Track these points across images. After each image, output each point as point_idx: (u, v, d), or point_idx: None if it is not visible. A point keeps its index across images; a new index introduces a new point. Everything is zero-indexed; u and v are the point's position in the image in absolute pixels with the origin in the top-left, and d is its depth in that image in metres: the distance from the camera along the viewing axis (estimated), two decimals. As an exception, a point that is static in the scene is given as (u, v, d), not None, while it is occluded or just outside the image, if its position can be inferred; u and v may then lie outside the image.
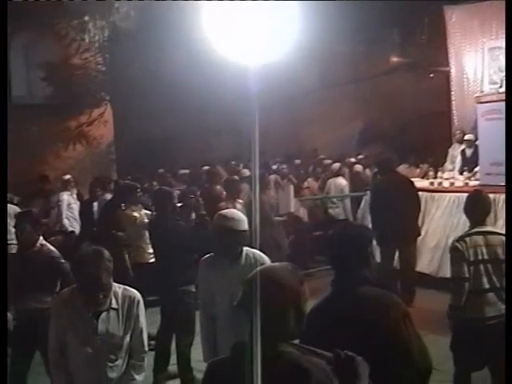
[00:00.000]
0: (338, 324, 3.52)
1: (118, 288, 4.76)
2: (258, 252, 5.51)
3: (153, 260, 8.83)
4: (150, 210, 9.61)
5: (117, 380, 4.79)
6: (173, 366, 8.08)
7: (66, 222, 13.22)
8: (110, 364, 4.74)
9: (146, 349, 4.97)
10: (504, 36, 9.56)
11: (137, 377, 4.90)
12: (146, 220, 9.41)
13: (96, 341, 4.66)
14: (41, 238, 6.98)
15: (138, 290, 9.39)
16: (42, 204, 14.38)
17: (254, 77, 2.68)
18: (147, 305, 9.34)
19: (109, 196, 12.22)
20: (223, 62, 2.85)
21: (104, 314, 4.66)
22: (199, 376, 7.72)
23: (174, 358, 8.08)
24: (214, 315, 5.69)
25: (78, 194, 14.26)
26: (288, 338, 2.95)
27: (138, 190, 10.32)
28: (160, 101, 16.98)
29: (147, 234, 8.87)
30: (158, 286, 8.41)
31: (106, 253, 4.58)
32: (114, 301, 4.69)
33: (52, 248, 7.10)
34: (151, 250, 8.96)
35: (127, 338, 4.79)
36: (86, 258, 4.55)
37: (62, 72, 18.10)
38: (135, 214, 9.68)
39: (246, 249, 5.57)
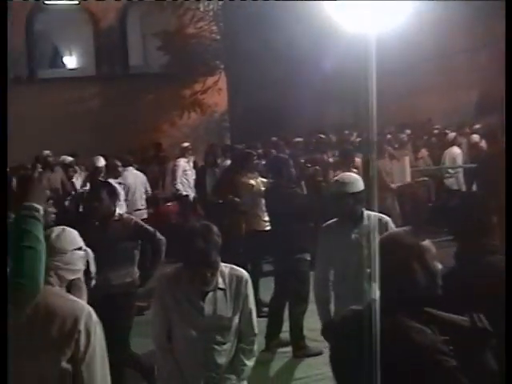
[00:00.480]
0: (465, 296, 3.41)
1: (224, 267, 4.42)
2: (378, 213, 5.50)
3: (268, 228, 8.86)
4: (265, 178, 9.63)
5: (225, 365, 4.46)
6: (285, 334, 8.09)
7: (179, 186, 13.42)
8: (218, 348, 4.41)
9: (256, 331, 4.60)
10: None
11: (247, 362, 4.55)
12: (263, 188, 9.42)
13: (202, 323, 4.35)
14: (117, 209, 6.93)
15: (253, 257, 9.51)
16: (158, 170, 14.71)
17: (372, 45, 2.65)
18: (262, 273, 9.50)
19: (226, 163, 12.38)
20: (341, 29, 2.80)
21: (210, 295, 4.36)
22: (311, 345, 7.76)
23: (286, 326, 8.07)
24: (329, 279, 5.77)
25: (194, 162, 14.49)
26: (416, 304, 2.90)
27: (255, 157, 10.35)
28: (274, 69, 16.94)
29: (263, 201, 8.91)
30: (273, 253, 8.46)
31: (215, 228, 4.29)
32: (220, 280, 4.37)
33: (132, 216, 7.14)
34: (267, 218, 8.99)
35: (236, 320, 4.44)
36: (194, 232, 4.24)
37: (177, 41, 18.34)
38: (252, 181, 9.70)
39: (366, 211, 5.65)
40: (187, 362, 4.42)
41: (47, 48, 20.33)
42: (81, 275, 3.68)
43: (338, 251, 5.64)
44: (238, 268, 4.53)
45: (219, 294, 4.38)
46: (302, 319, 7.91)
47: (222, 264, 4.39)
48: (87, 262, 3.64)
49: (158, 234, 6.83)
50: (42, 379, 3.17)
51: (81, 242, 3.64)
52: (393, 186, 11.91)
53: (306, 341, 7.91)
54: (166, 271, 4.64)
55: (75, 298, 3.44)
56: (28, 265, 2.89)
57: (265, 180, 9.59)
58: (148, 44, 19.60)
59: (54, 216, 6.47)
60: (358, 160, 10.36)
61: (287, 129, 17.36)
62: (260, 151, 13.52)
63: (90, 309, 3.37)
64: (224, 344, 4.43)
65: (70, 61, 20.64)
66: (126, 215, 7.06)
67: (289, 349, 7.97)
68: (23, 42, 18.74)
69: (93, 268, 4.32)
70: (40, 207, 3.10)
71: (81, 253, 3.62)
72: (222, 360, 4.43)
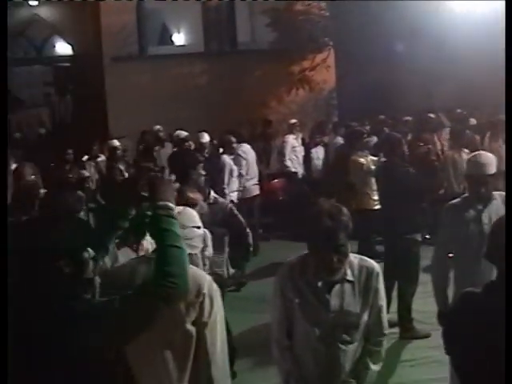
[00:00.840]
0: None
1: (353, 258, 4.01)
2: (503, 193, 5.30)
3: (378, 207, 8.78)
4: (375, 156, 9.56)
5: (350, 367, 4.06)
6: (392, 315, 7.97)
7: (288, 162, 13.54)
8: (343, 347, 3.99)
9: (386, 332, 4.19)
10: None
11: (373, 366, 4.12)
12: (372, 166, 9.34)
13: (328, 319, 3.96)
14: (212, 190, 6.84)
15: (363, 235, 9.47)
16: (263, 147, 14.76)
17: (482, 23, 2.56)
18: (370, 253, 9.44)
19: (335, 140, 12.42)
20: (450, 7, 2.70)
21: (337, 287, 3.94)
22: (419, 327, 7.66)
23: (394, 307, 7.93)
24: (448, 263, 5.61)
25: (302, 139, 14.50)
26: None
27: (365, 135, 10.28)
28: (384, 47, 16.68)
29: (373, 180, 8.84)
30: (383, 233, 8.37)
31: (345, 209, 3.89)
32: (349, 271, 3.95)
33: (227, 201, 7.12)
34: (376, 197, 8.91)
35: (364, 317, 4.02)
36: (322, 212, 3.82)
37: (285, 18, 18.24)
38: (362, 159, 9.66)
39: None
40: (308, 363, 4.07)
41: (156, 25, 20.62)
42: (198, 252, 3.93)
43: (464, 232, 5.42)
44: (367, 259, 4.13)
45: (347, 286, 3.98)
46: (410, 301, 7.83)
47: (352, 254, 4.03)
48: (205, 242, 3.86)
49: (247, 228, 6.87)
50: (168, 342, 3.38)
51: (199, 222, 3.89)
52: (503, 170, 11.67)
53: (414, 323, 7.82)
54: (288, 260, 4.19)
55: (196, 268, 3.68)
56: (177, 264, 2.87)
57: (374, 158, 9.51)
58: (256, 21, 19.56)
59: (203, 179, 6.49)
60: (477, 137, 10.16)
61: (395, 107, 17.10)
62: (367, 128, 13.42)
63: (211, 278, 3.56)
64: (350, 344, 4.03)
65: (179, 38, 20.89)
66: (221, 200, 7.07)
67: (396, 330, 7.83)
68: (134, 20, 19.01)
69: (210, 249, 4.45)
70: (173, 206, 3.11)
71: (199, 231, 3.86)
72: (347, 362, 4.04)
